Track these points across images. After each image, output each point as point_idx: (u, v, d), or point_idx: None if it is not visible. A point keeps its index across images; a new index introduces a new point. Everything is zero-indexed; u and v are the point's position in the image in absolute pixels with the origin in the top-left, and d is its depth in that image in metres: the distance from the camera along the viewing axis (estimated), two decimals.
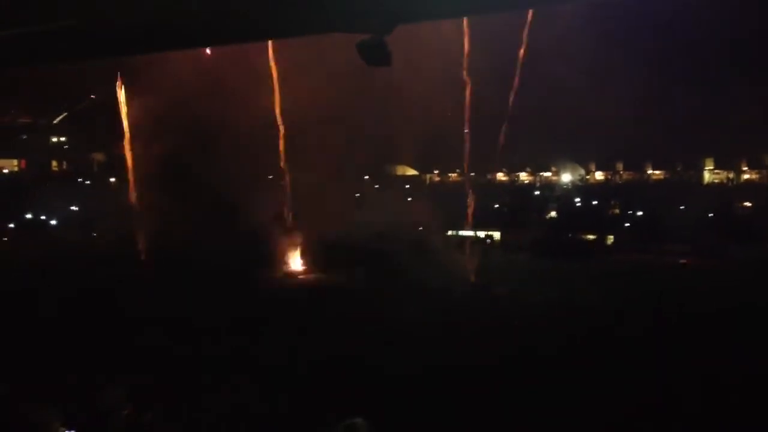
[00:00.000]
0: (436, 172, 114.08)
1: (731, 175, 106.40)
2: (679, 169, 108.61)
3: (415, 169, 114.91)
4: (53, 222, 79.90)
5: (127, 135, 62.14)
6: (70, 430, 8.59)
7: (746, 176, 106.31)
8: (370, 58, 8.52)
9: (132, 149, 62.83)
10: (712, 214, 78.53)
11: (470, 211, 62.28)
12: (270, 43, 54.01)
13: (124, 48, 9.29)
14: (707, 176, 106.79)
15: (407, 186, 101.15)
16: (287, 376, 22.85)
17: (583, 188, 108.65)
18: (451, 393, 21.32)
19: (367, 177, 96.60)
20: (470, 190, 64.11)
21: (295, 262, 59.08)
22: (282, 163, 62.66)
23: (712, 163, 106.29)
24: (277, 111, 60.46)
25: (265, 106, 61.02)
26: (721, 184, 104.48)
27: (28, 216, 79.93)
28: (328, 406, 15.72)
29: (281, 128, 61.05)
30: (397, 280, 47.13)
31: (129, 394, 8.94)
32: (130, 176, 62.97)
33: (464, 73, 57.50)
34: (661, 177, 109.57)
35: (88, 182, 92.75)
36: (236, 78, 58.01)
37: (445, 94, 61.81)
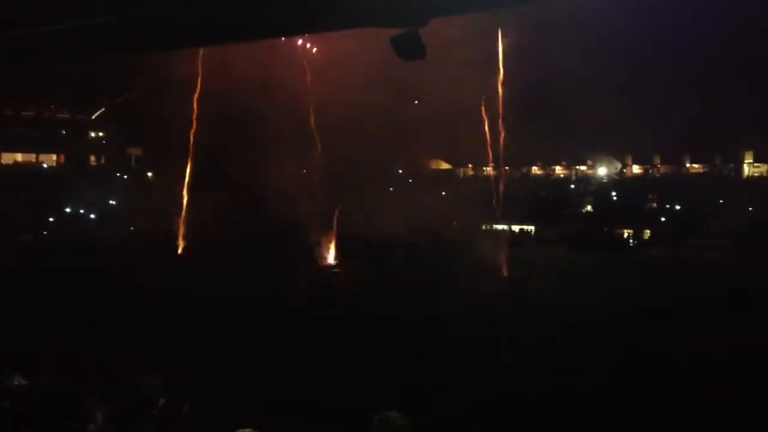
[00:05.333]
0: (470, 166, 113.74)
1: None
2: (717, 162, 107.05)
3: (449, 163, 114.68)
4: (92, 216, 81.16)
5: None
6: (107, 418, 8.72)
7: None
8: (404, 52, 8.50)
9: (172, 145, 63.52)
10: (751, 209, 77.26)
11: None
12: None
13: (166, 43, 9.38)
14: (746, 170, 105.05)
15: (441, 180, 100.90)
16: (326, 366, 22.93)
17: (620, 182, 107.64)
18: (488, 385, 21.26)
19: (400, 171, 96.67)
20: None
21: (331, 255, 59.33)
22: (316, 158, 63.03)
23: (752, 157, 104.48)
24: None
25: (301, 100, 61.51)
26: (761, 178, 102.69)
27: (67, 210, 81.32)
28: (363, 398, 15.83)
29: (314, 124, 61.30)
30: (429, 273, 47.12)
31: (168, 383, 9.05)
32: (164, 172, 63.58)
33: None
34: (700, 170, 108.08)
35: (126, 177, 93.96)
36: (273, 71, 58.44)
37: (479, 88, 61.56)
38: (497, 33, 57.97)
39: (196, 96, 59.70)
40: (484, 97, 61.16)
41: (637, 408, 19.22)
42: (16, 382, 8.63)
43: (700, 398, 19.56)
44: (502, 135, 60.07)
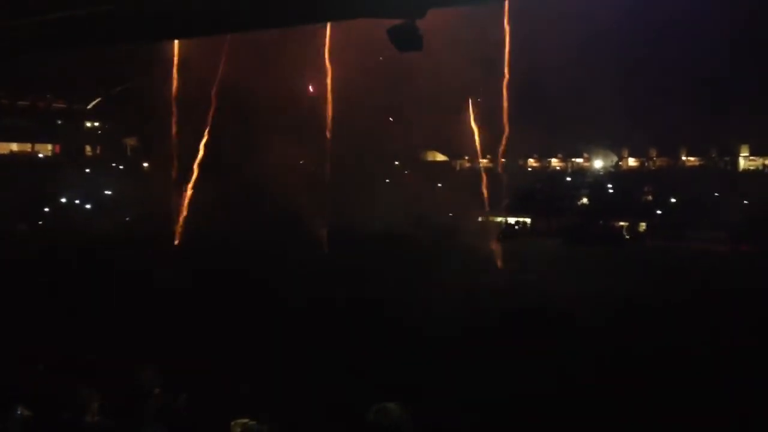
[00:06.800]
0: (466, 158, 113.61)
1: (767, 162, 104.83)
2: (713, 155, 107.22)
3: (445, 155, 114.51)
4: (87, 206, 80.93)
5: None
6: (104, 410, 8.71)
7: None
8: (402, 43, 8.48)
9: (170, 134, 63.21)
10: (747, 201, 77.39)
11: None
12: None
13: (165, 32, 9.36)
14: (742, 163, 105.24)
15: (437, 172, 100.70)
16: (324, 362, 22.89)
17: (616, 175, 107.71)
18: (487, 381, 21.25)
19: (396, 162, 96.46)
20: None
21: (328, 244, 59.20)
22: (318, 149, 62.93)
23: (747, 150, 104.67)
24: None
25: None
26: (756, 171, 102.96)
27: (63, 200, 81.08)
28: (362, 390, 15.83)
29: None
30: (422, 264, 47.01)
31: (163, 375, 9.04)
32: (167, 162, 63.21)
33: None
34: (696, 163, 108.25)
35: (121, 167, 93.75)
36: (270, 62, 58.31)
37: (476, 79, 61.51)
38: (494, 25, 57.85)
39: (193, 85, 59.53)
40: (480, 89, 61.16)
41: (639, 407, 19.18)
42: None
43: (699, 397, 19.56)
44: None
